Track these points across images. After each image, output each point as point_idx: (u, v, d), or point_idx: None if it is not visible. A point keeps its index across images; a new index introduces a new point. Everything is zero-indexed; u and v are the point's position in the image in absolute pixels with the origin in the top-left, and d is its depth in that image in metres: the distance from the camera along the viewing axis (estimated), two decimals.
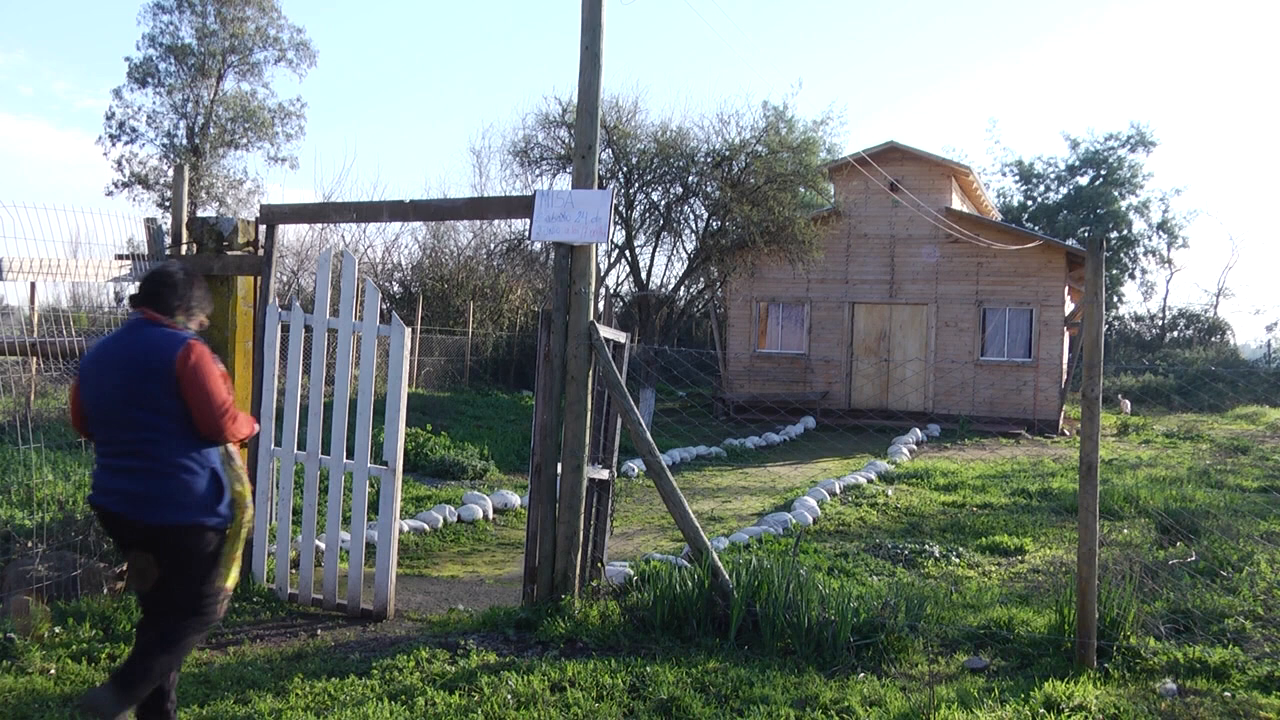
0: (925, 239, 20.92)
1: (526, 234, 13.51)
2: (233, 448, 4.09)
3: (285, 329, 6.49)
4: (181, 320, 4.01)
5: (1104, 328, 5.41)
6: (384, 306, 13.57)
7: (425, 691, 4.63)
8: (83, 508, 6.48)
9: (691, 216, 20.04)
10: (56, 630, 5.31)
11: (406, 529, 8.55)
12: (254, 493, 6.32)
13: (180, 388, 3.83)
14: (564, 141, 18.59)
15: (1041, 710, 4.54)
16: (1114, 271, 38.35)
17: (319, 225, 21.99)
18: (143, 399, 3.83)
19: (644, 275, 20.44)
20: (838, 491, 11.31)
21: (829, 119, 21.77)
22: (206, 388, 3.86)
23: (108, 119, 29.13)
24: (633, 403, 6.09)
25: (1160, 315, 39.92)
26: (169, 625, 3.90)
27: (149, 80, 28.76)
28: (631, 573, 6.22)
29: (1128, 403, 24.54)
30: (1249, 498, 10.87)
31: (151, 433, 3.85)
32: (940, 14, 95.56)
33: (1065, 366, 21.06)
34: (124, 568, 5.81)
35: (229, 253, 6.65)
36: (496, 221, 21.41)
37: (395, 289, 25.51)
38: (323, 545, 6.68)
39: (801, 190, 19.84)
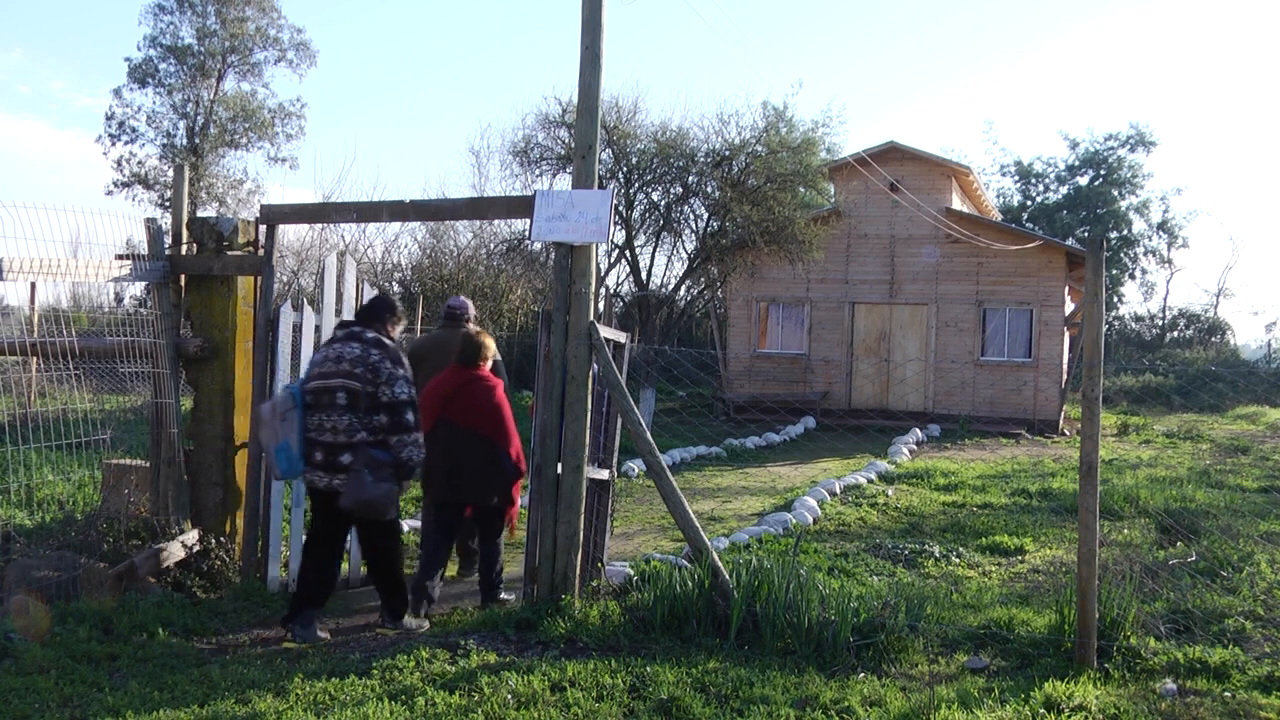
0: (925, 239, 20.92)
1: (526, 234, 13.51)
2: None
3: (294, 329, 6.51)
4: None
5: (1104, 328, 5.41)
6: None
7: (425, 691, 4.63)
8: (83, 508, 6.48)
9: (691, 216, 20.02)
10: (56, 630, 5.31)
11: (407, 529, 8.54)
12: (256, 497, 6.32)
13: None
14: (564, 141, 18.57)
15: (1041, 710, 4.54)
16: (1114, 271, 38.32)
17: (319, 225, 21.97)
18: None
19: (644, 275, 20.43)
20: (838, 491, 11.30)
21: (829, 119, 21.70)
22: None
23: (108, 119, 29.18)
24: (633, 403, 6.09)
25: (1160, 315, 39.89)
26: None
27: (149, 80, 28.79)
28: (631, 573, 6.22)
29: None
30: (1249, 498, 10.86)
31: None
32: (940, 14, 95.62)
33: (1065, 366, 21.04)
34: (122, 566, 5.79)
35: (229, 253, 6.65)
36: (496, 221, 21.39)
37: (395, 289, 25.48)
38: None
39: (801, 190, 19.80)
